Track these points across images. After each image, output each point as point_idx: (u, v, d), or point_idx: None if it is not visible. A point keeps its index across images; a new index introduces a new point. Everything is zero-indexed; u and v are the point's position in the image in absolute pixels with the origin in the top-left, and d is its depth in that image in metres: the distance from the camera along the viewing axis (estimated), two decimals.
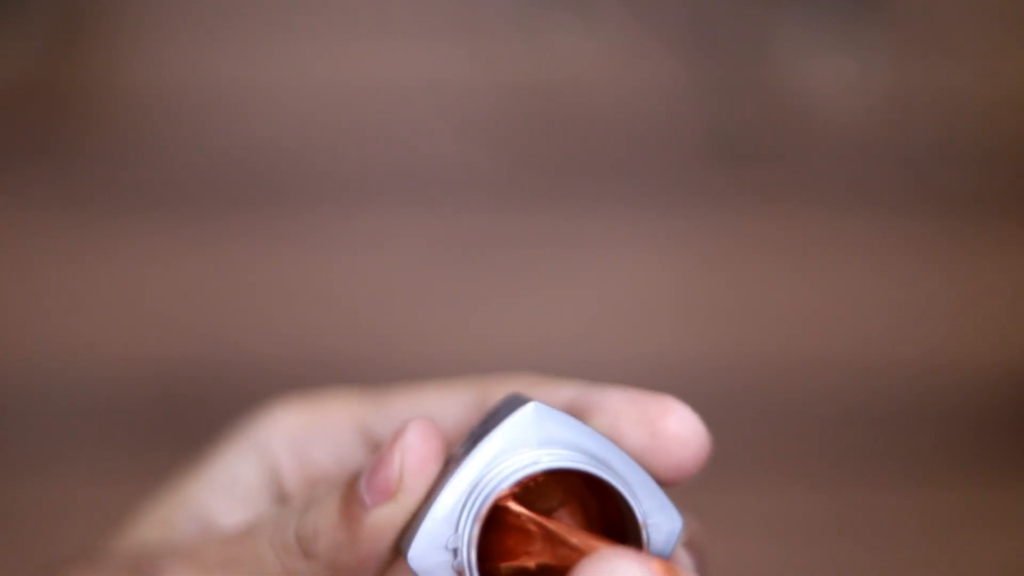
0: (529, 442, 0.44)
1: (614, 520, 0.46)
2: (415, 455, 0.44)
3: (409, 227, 1.09)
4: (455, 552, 0.43)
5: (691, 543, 0.49)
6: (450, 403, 0.50)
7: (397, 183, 1.09)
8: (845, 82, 1.12)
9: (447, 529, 0.43)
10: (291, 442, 0.50)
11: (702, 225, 1.10)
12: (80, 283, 1.07)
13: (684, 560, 0.47)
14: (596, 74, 1.12)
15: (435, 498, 0.44)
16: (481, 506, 0.43)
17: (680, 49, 1.13)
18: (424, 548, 0.43)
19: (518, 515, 0.44)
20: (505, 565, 0.44)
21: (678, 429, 0.47)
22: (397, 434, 0.45)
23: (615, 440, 0.47)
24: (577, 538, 0.44)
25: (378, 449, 0.49)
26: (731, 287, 1.09)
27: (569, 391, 0.48)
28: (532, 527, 0.44)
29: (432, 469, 0.45)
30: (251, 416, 0.52)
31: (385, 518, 0.44)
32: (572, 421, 0.45)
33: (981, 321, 1.09)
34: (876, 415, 1.07)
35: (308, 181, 1.10)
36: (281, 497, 0.51)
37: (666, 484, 0.47)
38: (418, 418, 0.45)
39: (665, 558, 0.45)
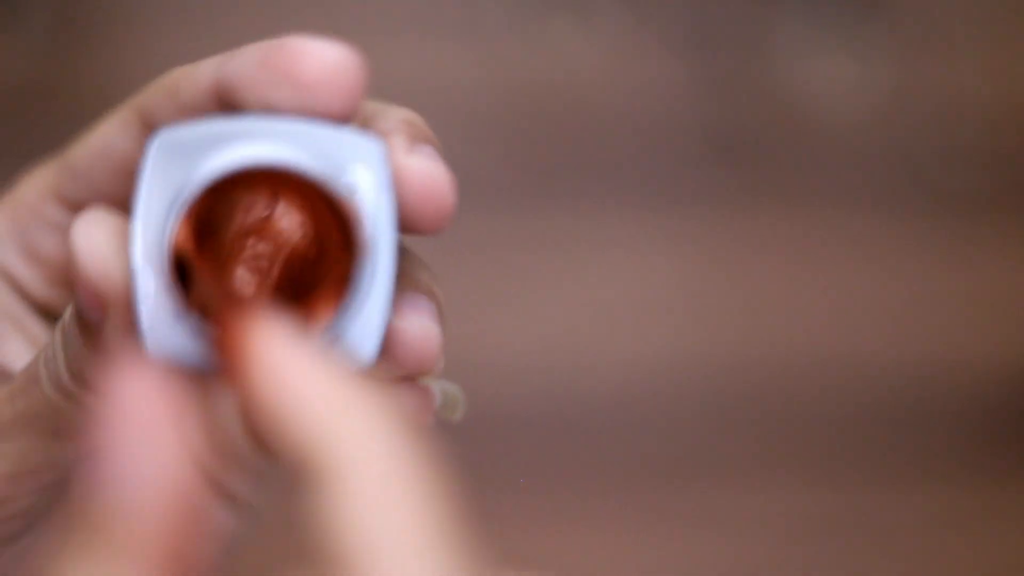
0: (180, 173, 0.37)
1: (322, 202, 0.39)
2: (93, 257, 0.38)
3: None
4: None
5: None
6: (120, 134, 0.44)
7: None
8: (845, 82, 1.12)
9: (159, 233, 0.38)
10: (9, 246, 0.45)
11: (702, 225, 1.10)
12: None
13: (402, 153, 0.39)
14: (596, 74, 1.12)
15: (138, 209, 0.38)
16: (178, 207, 0.37)
17: (680, 49, 1.13)
18: (152, 330, 0.38)
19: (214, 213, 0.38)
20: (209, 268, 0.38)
21: (311, 67, 0.38)
22: (69, 246, 0.38)
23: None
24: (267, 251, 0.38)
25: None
26: (732, 287, 1.09)
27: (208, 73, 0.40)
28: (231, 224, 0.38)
29: (117, 258, 0.38)
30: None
31: (116, 326, 0.38)
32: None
33: (982, 320, 1.09)
34: (877, 415, 1.07)
35: None
36: (39, 307, 0.45)
37: (415, 228, 0.39)
38: (83, 215, 0.39)
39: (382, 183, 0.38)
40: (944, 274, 1.10)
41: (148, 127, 0.42)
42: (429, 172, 0.40)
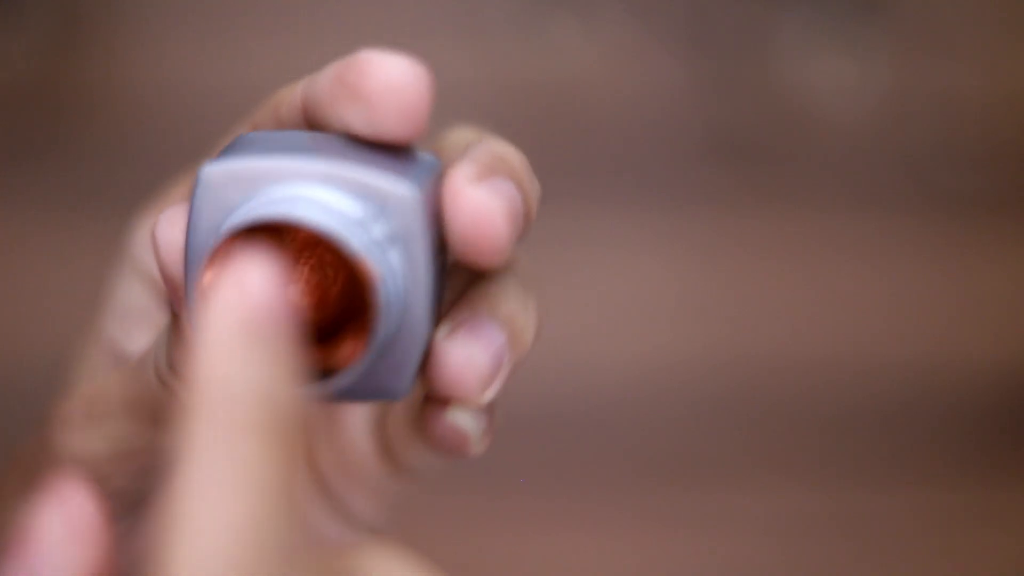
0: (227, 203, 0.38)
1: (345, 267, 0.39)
2: (171, 251, 0.39)
3: None
4: None
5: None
6: None
7: None
8: (845, 82, 1.12)
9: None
10: (147, 242, 0.46)
11: (702, 225, 1.10)
12: (80, 283, 1.07)
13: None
14: (596, 74, 1.12)
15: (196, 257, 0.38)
16: (217, 241, 0.37)
17: (680, 49, 1.13)
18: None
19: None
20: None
21: (377, 82, 0.38)
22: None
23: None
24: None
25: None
26: (731, 287, 1.09)
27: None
28: None
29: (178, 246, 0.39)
30: (124, 241, 0.48)
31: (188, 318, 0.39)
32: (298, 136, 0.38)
33: (981, 321, 1.09)
34: (876, 415, 1.07)
35: None
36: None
37: (476, 262, 0.39)
38: (165, 211, 0.39)
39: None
40: (943, 274, 1.10)
41: None
42: (481, 205, 0.38)
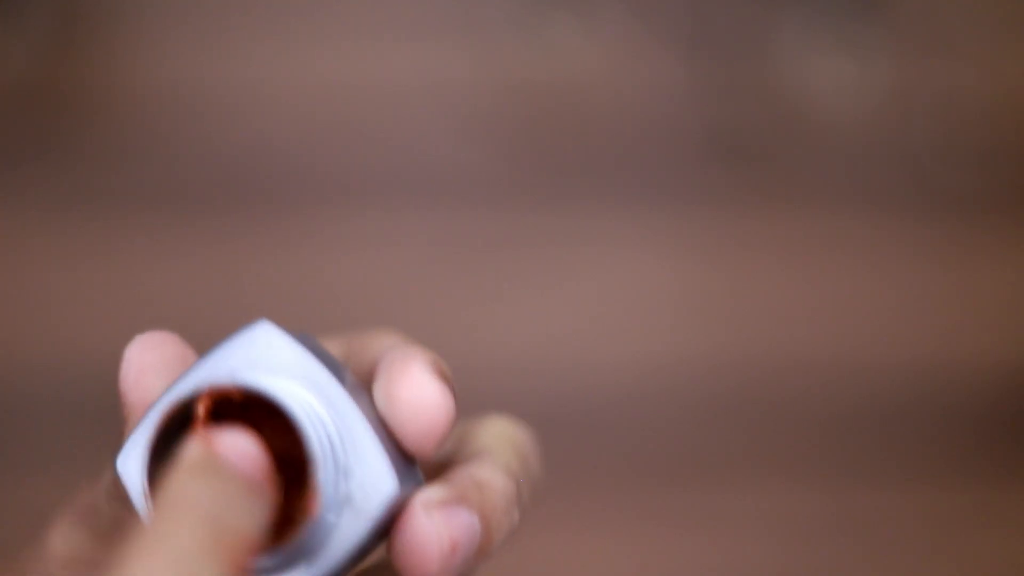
0: (250, 363, 0.41)
1: (301, 462, 0.42)
2: (131, 368, 0.42)
3: (409, 227, 1.09)
4: None
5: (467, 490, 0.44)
6: None
7: (397, 183, 1.09)
8: (845, 82, 1.12)
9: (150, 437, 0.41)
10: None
11: (701, 225, 1.10)
12: (80, 283, 1.07)
13: (419, 524, 0.41)
14: (596, 74, 1.12)
15: (152, 407, 0.41)
16: (163, 412, 0.40)
17: (680, 49, 1.13)
18: (129, 454, 0.41)
19: (204, 427, 0.40)
20: None
21: (409, 396, 0.41)
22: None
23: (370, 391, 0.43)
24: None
25: None
26: (731, 287, 1.09)
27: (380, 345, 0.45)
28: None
29: (151, 380, 0.42)
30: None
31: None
32: (303, 350, 0.42)
33: (981, 321, 1.09)
34: (876, 415, 1.07)
35: (308, 181, 1.10)
36: None
37: (413, 451, 0.42)
38: (151, 331, 0.43)
39: (373, 518, 0.41)
40: (943, 274, 1.10)
41: None
42: (425, 539, 0.42)
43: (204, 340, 1.07)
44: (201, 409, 0.40)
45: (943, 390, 1.08)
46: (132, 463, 0.41)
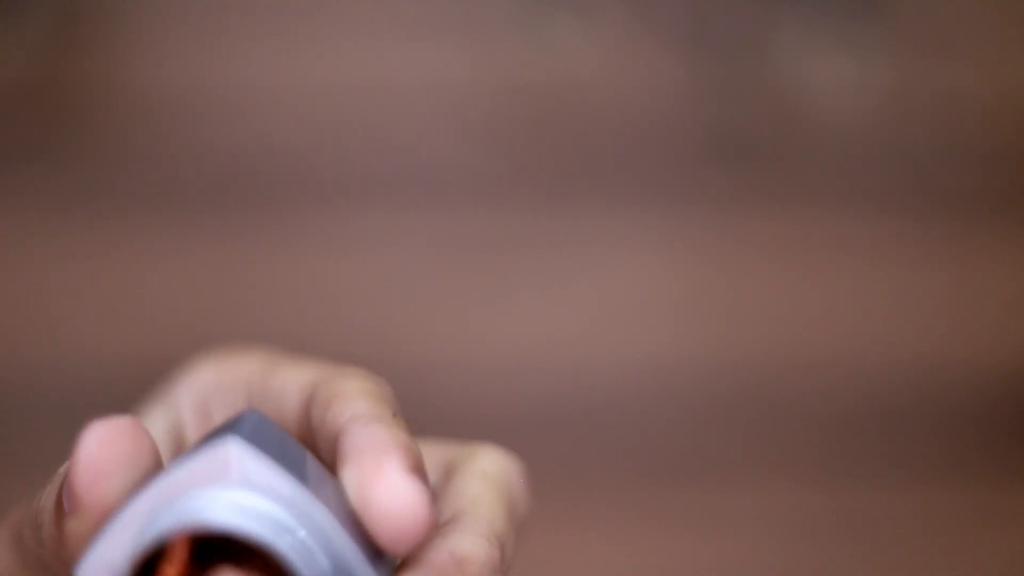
0: (224, 479, 0.39)
1: None
2: (86, 467, 0.40)
3: (409, 227, 1.09)
4: None
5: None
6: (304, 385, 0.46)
7: (397, 183, 1.09)
8: (845, 82, 1.12)
9: (119, 555, 0.39)
10: (196, 398, 0.47)
11: (701, 225, 1.10)
12: (80, 283, 1.07)
13: None
14: (596, 74, 1.12)
15: (114, 517, 0.39)
16: (139, 549, 0.39)
17: (680, 49, 1.13)
18: (92, 570, 0.39)
19: (183, 570, 0.39)
20: None
21: (384, 501, 0.39)
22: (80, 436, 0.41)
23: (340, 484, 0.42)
24: None
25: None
26: (731, 287, 1.09)
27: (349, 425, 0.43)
28: None
29: (109, 480, 0.40)
30: (176, 371, 0.50)
31: (74, 529, 0.40)
32: (278, 468, 0.40)
33: (981, 321, 1.09)
34: (876, 415, 1.07)
35: (308, 181, 1.10)
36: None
37: (386, 550, 0.40)
38: (107, 419, 0.41)
39: None
40: (943, 274, 1.10)
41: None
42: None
43: (204, 340, 1.07)
44: (180, 554, 0.39)
45: (943, 390, 1.08)
46: None
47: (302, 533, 0.40)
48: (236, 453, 0.40)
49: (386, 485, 0.40)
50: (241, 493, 0.39)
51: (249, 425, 0.41)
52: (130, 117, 1.10)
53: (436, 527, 0.43)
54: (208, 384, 0.48)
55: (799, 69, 1.13)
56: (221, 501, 0.39)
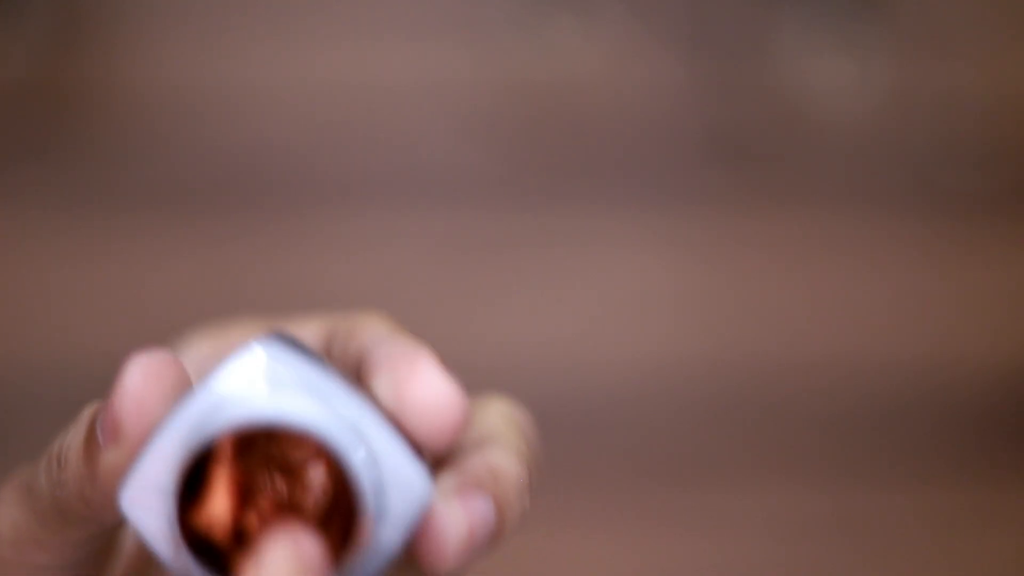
0: (258, 385, 0.40)
1: (345, 482, 0.41)
2: (131, 397, 0.40)
3: (410, 227, 1.09)
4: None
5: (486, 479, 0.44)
6: (316, 332, 0.47)
7: (397, 183, 1.09)
8: (845, 82, 1.12)
9: (166, 474, 0.40)
10: (195, 369, 0.48)
11: (701, 225, 1.10)
12: (80, 283, 1.07)
13: (446, 526, 0.41)
14: (596, 74, 1.12)
15: (153, 438, 0.40)
16: (187, 455, 0.39)
17: (680, 49, 1.13)
18: (137, 492, 0.40)
19: (235, 469, 0.39)
20: (215, 522, 0.40)
21: (423, 395, 0.41)
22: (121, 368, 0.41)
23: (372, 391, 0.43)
24: (273, 507, 0.40)
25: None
26: (731, 287, 1.09)
27: (357, 344, 0.44)
28: (247, 485, 0.40)
29: (152, 411, 0.40)
30: (168, 344, 0.50)
31: (112, 461, 0.40)
32: (311, 367, 0.41)
33: (981, 321, 1.09)
34: (876, 415, 1.07)
35: (308, 181, 1.10)
36: None
37: (425, 447, 0.42)
38: (149, 351, 0.41)
39: (407, 526, 0.41)
40: (943, 274, 1.10)
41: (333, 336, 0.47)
42: (447, 527, 0.42)
43: None
44: (226, 452, 0.39)
45: (943, 390, 1.08)
46: (143, 503, 0.40)
47: (345, 420, 0.40)
48: (267, 355, 0.40)
49: (422, 380, 0.41)
50: (279, 390, 0.40)
51: (272, 338, 0.42)
52: (130, 117, 1.10)
53: (465, 448, 0.45)
54: (208, 359, 0.48)
55: (799, 69, 1.13)
56: (262, 398, 0.40)
